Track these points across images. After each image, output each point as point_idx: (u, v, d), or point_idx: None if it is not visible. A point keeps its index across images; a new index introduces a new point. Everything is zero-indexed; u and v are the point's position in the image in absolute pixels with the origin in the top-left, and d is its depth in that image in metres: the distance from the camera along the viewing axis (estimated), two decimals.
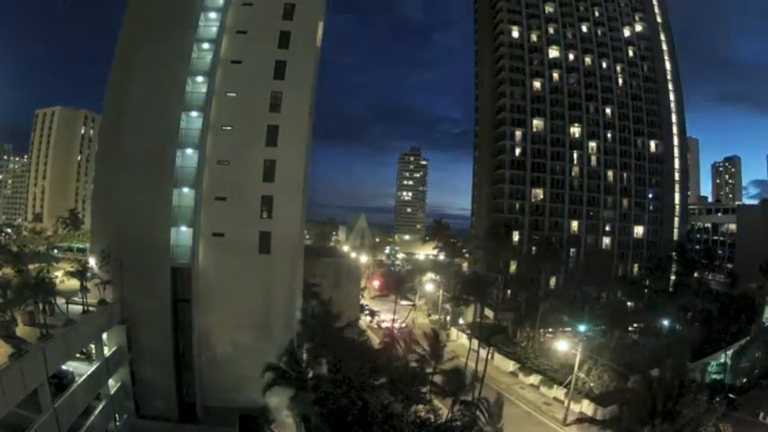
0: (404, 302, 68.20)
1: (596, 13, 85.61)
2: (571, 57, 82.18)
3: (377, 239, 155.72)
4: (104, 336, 31.02)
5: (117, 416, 31.52)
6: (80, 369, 28.42)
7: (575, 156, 79.73)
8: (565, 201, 78.33)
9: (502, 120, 78.53)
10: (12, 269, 35.54)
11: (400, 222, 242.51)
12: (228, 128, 34.95)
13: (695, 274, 66.92)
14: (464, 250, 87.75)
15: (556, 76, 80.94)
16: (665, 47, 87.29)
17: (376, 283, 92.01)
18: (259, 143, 34.82)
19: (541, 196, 77.81)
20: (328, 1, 42.15)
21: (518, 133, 77.95)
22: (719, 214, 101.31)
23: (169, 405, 32.81)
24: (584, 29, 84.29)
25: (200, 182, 33.74)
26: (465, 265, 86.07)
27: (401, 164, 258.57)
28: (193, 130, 34.13)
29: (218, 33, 35.40)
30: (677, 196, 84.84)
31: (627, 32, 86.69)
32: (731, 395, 44.47)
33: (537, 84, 79.82)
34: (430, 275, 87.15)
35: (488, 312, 61.81)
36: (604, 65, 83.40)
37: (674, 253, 71.32)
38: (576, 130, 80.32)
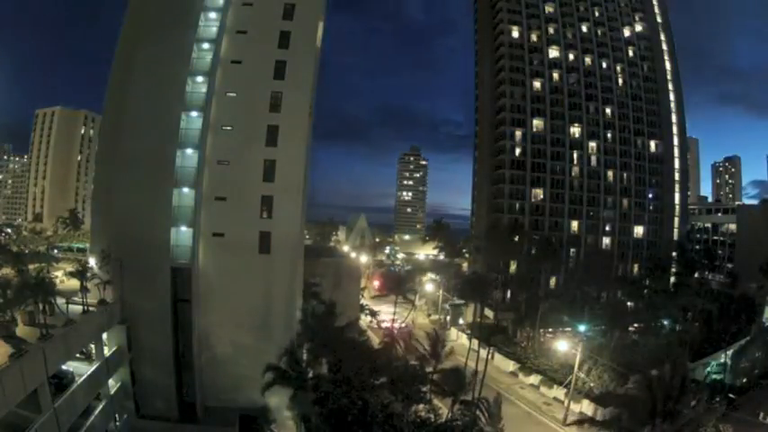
0: (404, 303, 68.04)
1: (596, 13, 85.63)
2: (571, 57, 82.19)
3: (377, 239, 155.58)
4: (104, 336, 31.01)
5: (117, 416, 31.52)
6: (80, 369, 28.41)
7: (575, 156, 79.74)
8: (565, 201, 78.36)
9: (502, 120, 78.54)
10: (12, 269, 35.54)
11: (400, 222, 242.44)
12: (228, 128, 34.94)
13: (695, 274, 66.98)
14: (464, 250, 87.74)
15: (556, 76, 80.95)
16: (665, 47, 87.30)
17: (376, 283, 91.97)
18: (259, 143, 34.81)
19: (541, 196, 77.83)
20: (328, 1, 42.19)
21: (518, 133, 77.96)
22: (719, 214, 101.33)
23: (169, 405, 32.80)
24: (584, 29, 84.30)
25: (200, 182, 33.74)
26: (465, 265, 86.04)
27: (401, 164, 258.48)
28: (193, 130, 34.11)
29: (218, 33, 35.38)
30: (677, 196, 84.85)
31: (627, 32, 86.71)
32: (731, 395, 44.52)
33: (537, 84, 79.84)
34: (430, 275, 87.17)
35: (488, 312, 61.83)
36: (604, 65, 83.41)
37: (674, 253, 71.37)
38: (575, 130, 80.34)
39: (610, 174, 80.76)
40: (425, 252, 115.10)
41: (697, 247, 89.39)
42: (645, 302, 59.46)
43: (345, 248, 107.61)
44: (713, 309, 54.82)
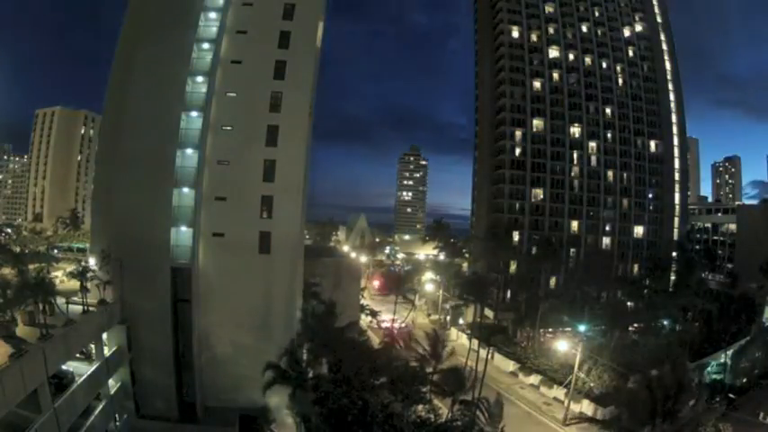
0: (404, 303, 68.14)
1: (596, 13, 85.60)
2: (571, 57, 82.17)
3: (377, 239, 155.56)
4: (104, 336, 31.01)
5: (117, 416, 31.51)
6: (80, 369, 28.40)
7: (575, 156, 79.73)
8: (565, 201, 78.33)
9: (502, 120, 78.52)
10: (12, 269, 35.50)
11: (400, 222, 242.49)
12: (228, 128, 34.95)
13: (695, 274, 66.96)
14: (464, 250, 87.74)
15: (556, 76, 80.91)
16: (665, 47, 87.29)
17: (376, 283, 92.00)
18: (259, 143, 34.81)
19: (541, 196, 77.79)
20: (328, 1, 42.20)
21: (518, 133, 77.93)
22: (719, 214, 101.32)
23: (169, 405, 32.80)
24: (584, 29, 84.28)
25: (200, 182, 33.74)
26: (465, 265, 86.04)
27: (401, 164, 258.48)
28: (193, 130, 34.11)
29: (218, 33, 35.38)
30: (677, 196, 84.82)
31: (627, 32, 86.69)
32: (731, 395, 44.58)
33: (537, 84, 79.80)
34: (430, 275, 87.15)
35: (488, 312, 61.83)
36: (604, 65, 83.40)
37: (674, 253, 71.37)
38: (575, 130, 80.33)
39: (610, 174, 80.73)
40: (425, 252, 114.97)
41: (697, 247, 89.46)
42: (645, 302, 59.45)
43: (345, 248, 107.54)
44: (713, 309, 54.88)
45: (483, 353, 47.18)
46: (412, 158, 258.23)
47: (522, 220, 76.61)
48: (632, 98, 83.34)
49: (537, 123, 78.71)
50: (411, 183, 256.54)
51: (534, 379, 51.10)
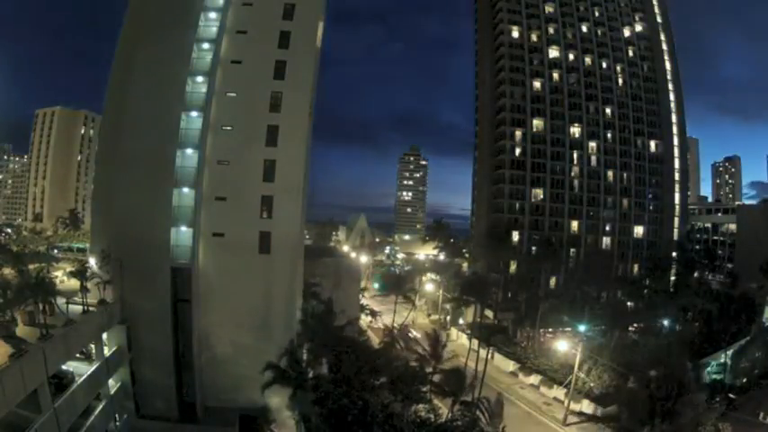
0: (404, 302, 68.14)
1: (596, 13, 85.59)
2: (571, 57, 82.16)
3: (377, 239, 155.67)
4: (104, 336, 30.99)
5: (117, 416, 31.50)
6: (80, 369, 28.38)
7: (575, 156, 79.72)
8: (565, 201, 78.32)
9: (502, 120, 78.49)
10: (12, 269, 35.52)
11: (400, 222, 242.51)
12: (228, 128, 34.95)
13: (695, 274, 66.99)
14: (464, 250, 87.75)
15: (556, 76, 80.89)
16: (665, 47, 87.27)
17: (376, 284, 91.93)
18: (259, 143, 34.81)
19: (541, 196, 77.78)
20: (328, 1, 42.18)
21: (518, 133, 77.92)
22: (719, 214, 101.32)
23: (169, 405, 32.79)
24: (585, 29, 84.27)
25: (200, 182, 33.73)
26: (465, 265, 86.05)
27: (401, 164, 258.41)
28: (193, 130, 34.11)
29: (218, 33, 35.38)
30: (677, 196, 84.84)
31: (627, 32, 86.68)
32: (731, 395, 44.54)
33: (537, 84, 79.78)
34: (430, 275, 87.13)
35: (488, 312, 61.81)
36: (604, 65, 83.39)
37: (674, 253, 71.36)
38: (575, 130, 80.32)
39: (610, 174, 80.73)
40: (425, 252, 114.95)
41: (697, 247, 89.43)
42: (645, 302, 59.45)
43: (345, 248, 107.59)
44: (713, 309, 54.81)
45: (483, 353, 47.19)
46: (412, 158, 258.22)
47: (522, 220, 76.60)
48: (632, 98, 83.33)
49: (537, 123, 78.70)
50: (411, 183, 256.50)
51: (534, 379, 51.10)
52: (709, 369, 50.63)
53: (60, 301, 31.26)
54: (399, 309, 66.90)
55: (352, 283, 53.75)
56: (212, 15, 36.00)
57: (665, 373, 29.02)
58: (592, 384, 44.50)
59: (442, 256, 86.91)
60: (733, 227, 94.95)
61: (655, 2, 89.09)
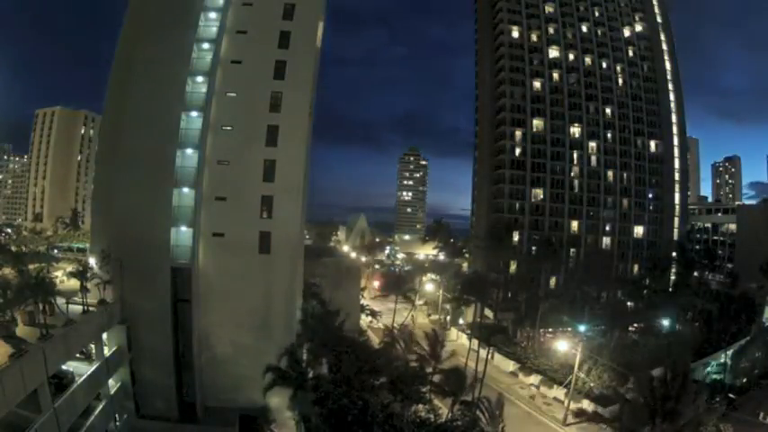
0: (404, 302, 68.16)
1: (596, 13, 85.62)
2: (571, 57, 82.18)
3: (377, 239, 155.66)
4: (104, 336, 30.99)
5: (117, 416, 31.49)
6: (80, 369, 28.38)
7: (575, 156, 79.75)
8: (565, 201, 78.35)
9: (502, 120, 78.53)
10: (12, 269, 35.51)
11: (400, 222, 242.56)
12: (228, 128, 34.94)
13: (695, 274, 66.95)
14: (464, 250, 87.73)
15: (556, 76, 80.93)
16: (665, 47, 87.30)
17: (376, 284, 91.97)
18: (259, 143, 34.81)
19: (541, 196, 77.83)
20: (328, 1, 42.18)
21: (518, 133, 77.96)
22: (719, 214, 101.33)
23: (169, 405, 32.79)
24: (585, 29, 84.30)
25: (200, 182, 33.73)
26: (465, 265, 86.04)
27: (401, 164, 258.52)
28: (193, 130, 34.11)
29: (218, 33, 35.38)
30: (677, 196, 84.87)
31: (627, 32, 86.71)
32: (731, 395, 44.52)
33: (537, 84, 79.82)
34: (430, 275, 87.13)
35: (488, 312, 61.80)
36: (604, 65, 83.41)
37: (673, 253, 71.34)
38: (575, 130, 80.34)
39: (610, 174, 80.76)
40: (425, 252, 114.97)
41: (697, 246, 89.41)
42: (645, 302, 59.45)
43: (345, 248, 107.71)
44: (713, 309, 54.82)
45: (483, 353, 47.19)
46: (412, 158, 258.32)
47: (522, 220, 76.62)
48: (632, 98, 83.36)
49: (537, 123, 78.73)
50: (411, 183, 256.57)
51: (534, 379, 51.09)
52: (709, 369, 50.66)
53: (60, 301, 31.22)
54: (399, 309, 66.89)
55: (352, 283, 53.81)
56: (212, 15, 36.00)
57: (665, 372, 28.99)
58: (592, 384, 44.49)
59: (441, 256, 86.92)
60: (733, 227, 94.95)
61: (655, 2, 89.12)
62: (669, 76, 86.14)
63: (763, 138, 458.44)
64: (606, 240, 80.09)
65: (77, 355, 28.95)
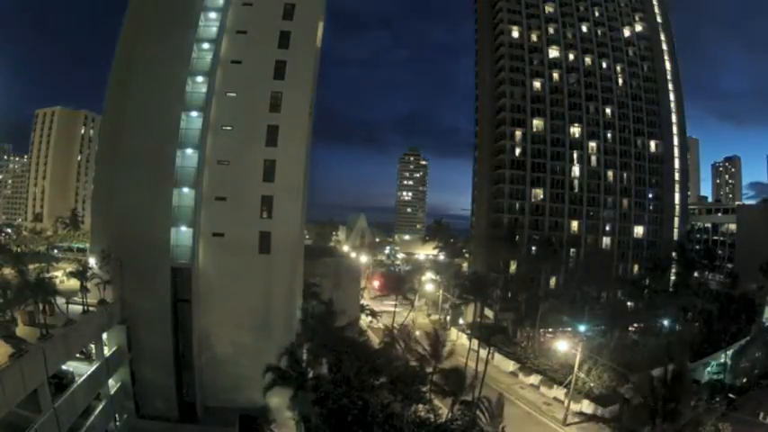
0: (404, 302, 68.14)
1: (596, 13, 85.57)
2: (571, 57, 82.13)
3: (377, 239, 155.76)
4: (104, 336, 30.98)
5: (117, 416, 31.49)
6: (80, 369, 28.38)
7: (575, 156, 79.70)
8: (565, 201, 78.29)
9: (502, 120, 78.49)
10: (12, 269, 35.53)
11: (400, 222, 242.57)
12: (228, 128, 34.93)
13: (695, 274, 66.95)
14: (464, 250, 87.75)
15: (556, 76, 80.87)
16: (665, 47, 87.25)
17: (376, 283, 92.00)
18: (259, 143, 34.79)
19: (541, 196, 77.77)
20: (329, 1, 42.18)
21: (518, 133, 77.91)
22: (719, 214, 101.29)
23: (169, 405, 32.78)
24: (585, 29, 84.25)
25: (200, 182, 33.72)
26: (465, 265, 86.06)
27: (401, 164, 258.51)
28: (193, 130, 34.09)
29: (218, 33, 35.36)
30: (677, 196, 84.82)
31: (627, 32, 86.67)
32: (731, 395, 44.54)
33: (537, 84, 79.76)
34: (430, 275, 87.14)
35: (488, 312, 61.81)
36: (604, 65, 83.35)
37: (673, 253, 71.32)
38: (575, 130, 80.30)
39: (610, 174, 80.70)
40: (425, 252, 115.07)
41: (697, 247, 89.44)
42: (645, 302, 59.47)
43: (345, 248, 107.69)
44: (713, 309, 54.87)
45: (483, 353, 47.19)
46: (412, 158, 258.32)
47: (522, 220, 76.56)
48: (632, 98, 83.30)
49: (537, 123, 78.69)
50: (411, 183, 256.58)
51: (534, 379, 51.09)
52: (709, 369, 50.68)
53: (60, 301, 31.23)
54: (399, 309, 66.89)
55: (352, 283, 53.71)
56: (212, 15, 35.98)
57: (665, 372, 28.99)
58: (592, 384, 44.50)
59: (442, 256, 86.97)
60: (733, 227, 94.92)
61: (655, 2, 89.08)
62: (669, 76, 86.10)
63: (763, 139, 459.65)
64: (606, 240, 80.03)
65: (77, 355, 28.95)
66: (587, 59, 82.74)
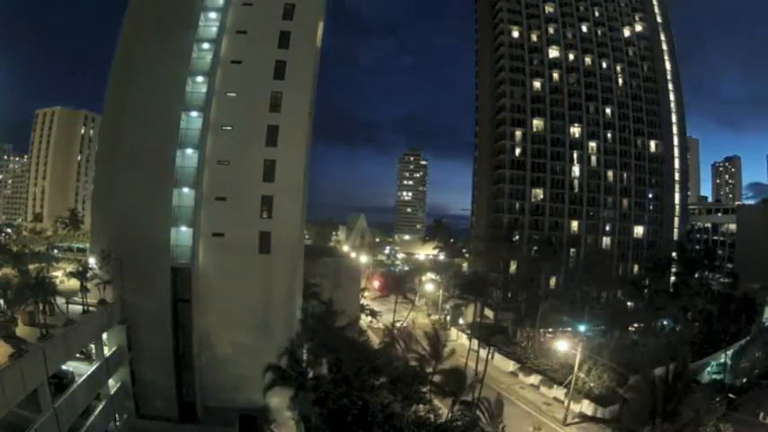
0: (404, 302, 68.13)
1: (596, 13, 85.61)
2: (571, 57, 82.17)
3: (377, 239, 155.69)
4: (104, 336, 31.00)
5: (117, 416, 31.50)
6: (80, 369, 28.40)
7: (575, 156, 79.74)
8: (565, 201, 78.33)
9: (502, 120, 78.53)
10: (12, 269, 35.53)
11: (400, 222, 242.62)
12: (228, 128, 34.95)
13: (695, 274, 66.91)
14: (464, 250, 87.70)
15: (556, 76, 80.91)
16: (665, 47, 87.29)
17: (376, 284, 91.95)
18: (259, 143, 34.81)
19: (541, 196, 77.82)
20: (328, 1, 42.18)
21: (518, 133, 77.95)
22: (719, 214, 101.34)
23: (169, 405, 32.79)
24: (585, 29, 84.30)
25: (200, 182, 33.73)
26: (465, 265, 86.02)
27: (401, 164, 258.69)
28: (193, 130, 34.11)
29: (218, 33, 35.39)
30: (677, 196, 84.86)
31: (627, 32, 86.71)
32: (731, 395, 44.51)
33: (537, 84, 79.81)
34: (430, 275, 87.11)
35: (488, 312, 61.81)
36: (604, 65, 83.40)
37: (674, 253, 71.32)
38: (575, 130, 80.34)
39: (610, 174, 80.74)
40: (425, 252, 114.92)
41: (697, 247, 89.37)
42: (645, 302, 59.45)
43: (345, 248, 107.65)
44: (713, 309, 54.81)
45: (483, 353, 47.19)
46: (412, 158, 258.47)
47: (522, 220, 76.60)
48: (632, 98, 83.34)
49: (537, 123, 78.72)
50: (411, 183, 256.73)
51: (534, 379, 51.09)
52: (709, 369, 50.66)
53: (60, 301, 31.24)
54: (399, 309, 66.88)
55: (352, 283, 53.67)
56: (212, 15, 36.01)
57: (665, 372, 29.00)
58: (592, 384, 44.49)
59: (441, 256, 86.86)
60: (733, 227, 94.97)
61: (655, 2, 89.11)
62: (669, 77, 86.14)
63: (762, 141, 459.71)
64: (606, 240, 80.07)
65: (77, 355, 28.97)
66: (587, 59, 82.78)
